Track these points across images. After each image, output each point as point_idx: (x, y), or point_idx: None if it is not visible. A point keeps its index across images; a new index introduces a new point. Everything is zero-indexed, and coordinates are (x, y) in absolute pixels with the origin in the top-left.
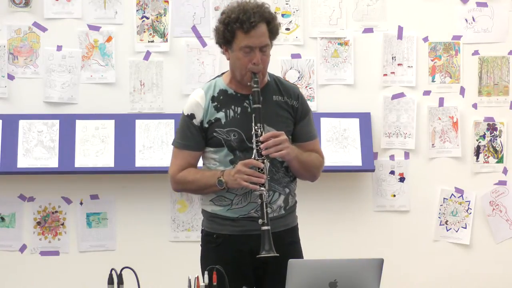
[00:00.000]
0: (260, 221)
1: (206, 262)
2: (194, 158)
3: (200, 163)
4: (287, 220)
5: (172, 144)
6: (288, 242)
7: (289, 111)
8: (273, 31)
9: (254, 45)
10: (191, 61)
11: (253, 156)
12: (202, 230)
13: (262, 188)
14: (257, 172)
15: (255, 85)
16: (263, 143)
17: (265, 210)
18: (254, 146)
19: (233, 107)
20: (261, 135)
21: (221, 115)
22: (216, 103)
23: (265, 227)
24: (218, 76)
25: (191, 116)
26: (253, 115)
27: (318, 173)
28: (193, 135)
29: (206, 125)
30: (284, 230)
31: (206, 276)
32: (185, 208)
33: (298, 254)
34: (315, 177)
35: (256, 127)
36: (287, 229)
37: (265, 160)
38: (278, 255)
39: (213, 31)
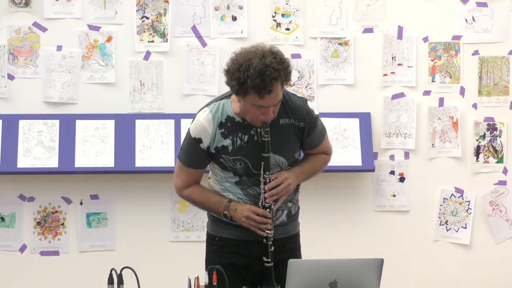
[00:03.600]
0: (264, 258)
1: (209, 264)
2: (199, 174)
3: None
4: (288, 228)
5: (178, 157)
6: (288, 248)
7: (296, 133)
8: (285, 83)
9: (268, 105)
10: (191, 61)
11: (260, 201)
12: (207, 232)
13: (268, 232)
14: (265, 219)
15: (265, 135)
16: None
17: (269, 250)
18: (262, 191)
19: (240, 134)
20: (269, 181)
21: (228, 142)
22: (223, 130)
23: (269, 265)
24: (226, 97)
25: (198, 140)
26: (262, 163)
27: (324, 168)
28: (199, 156)
29: (213, 151)
30: (285, 237)
31: (206, 276)
32: (185, 208)
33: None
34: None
35: (265, 175)
36: (288, 236)
37: (271, 205)
38: None
39: (224, 71)
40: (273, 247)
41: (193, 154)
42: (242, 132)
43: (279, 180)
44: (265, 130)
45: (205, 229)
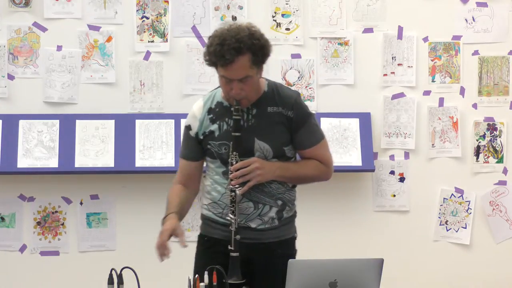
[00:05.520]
0: (229, 246)
1: (197, 264)
2: (191, 167)
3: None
4: (280, 232)
5: None
6: (279, 255)
7: (284, 122)
8: (257, 61)
9: (231, 77)
10: (191, 61)
11: (227, 184)
12: (199, 232)
13: (231, 217)
14: (162, 249)
15: (235, 113)
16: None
17: (233, 237)
18: (229, 174)
19: (226, 119)
20: (237, 162)
21: (215, 127)
22: (212, 115)
23: (234, 254)
24: (219, 86)
25: (188, 127)
26: (231, 142)
27: (321, 179)
28: (190, 145)
29: (201, 137)
30: (276, 241)
31: (206, 276)
32: None
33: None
34: (320, 180)
35: (232, 155)
36: (280, 241)
37: (236, 190)
38: (244, 281)
39: None
40: (238, 236)
41: (185, 143)
42: (228, 116)
43: (246, 162)
44: (235, 108)
45: None
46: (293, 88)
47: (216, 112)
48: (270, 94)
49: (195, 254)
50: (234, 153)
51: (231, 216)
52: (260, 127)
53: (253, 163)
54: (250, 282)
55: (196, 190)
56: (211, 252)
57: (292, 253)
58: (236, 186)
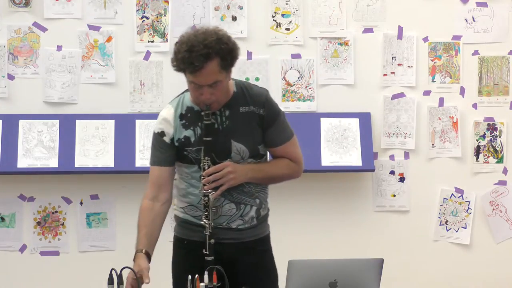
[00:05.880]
0: (204, 251)
1: (176, 268)
2: (166, 173)
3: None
4: (258, 231)
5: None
6: (259, 251)
7: (257, 120)
8: (226, 65)
9: (201, 83)
10: None
11: (200, 188)
12: (174, 235)
13: (206, 221)
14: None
15: (206, 118)
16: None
17: (207, 241)
18: (201, 179)
19: (200, 124)
20: (209, 167)
21: (189, 133)
22: (184, 121)
23: (208, 258)
24: (186, 90)
25: (162, 134)
26: (203, 147)
27: (292, 177)
28: (164, 151)
29: (176, 144)
30: (254, 240)
31: (206, 276)
32: None
33: (268, 262)
34: (291, 178)
35: (204, 160)
36: (258, 238)
37: (209, 194)
38: (219, 284)
39: None
40: (212, 240)
41: (158, 149)
42: (201, 121)
43: (218, 167)
44: (206, 113)
45: None
46: (292, 88)
47: (188, 117)
48: (240, 94)
49: (173, 258)
50: (206, 158)
51: (205, 220)
52: (235, 128)
53: (225, 167)
54: (234, 282)
55: (169, 199)
56: (192, 255)
57: (269, 249)
58: (210, 190)
